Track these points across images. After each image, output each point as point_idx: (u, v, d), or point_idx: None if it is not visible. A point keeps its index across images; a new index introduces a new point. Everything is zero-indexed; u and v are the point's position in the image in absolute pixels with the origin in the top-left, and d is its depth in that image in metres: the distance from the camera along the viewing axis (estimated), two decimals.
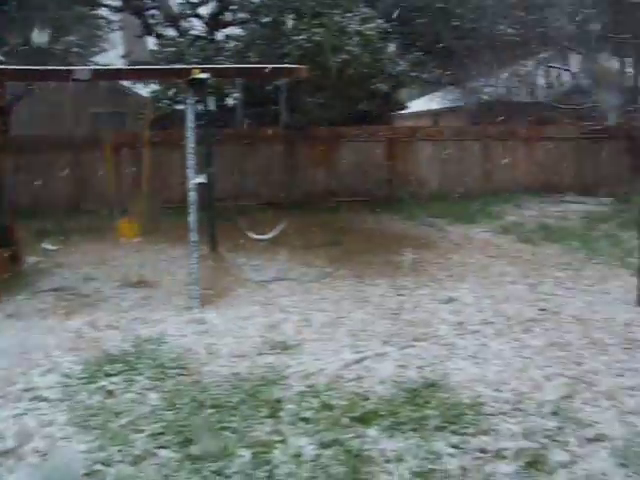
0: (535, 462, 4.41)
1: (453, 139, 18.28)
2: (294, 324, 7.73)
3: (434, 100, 26.10)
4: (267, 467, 4.41)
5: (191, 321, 7.93)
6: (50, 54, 20.54)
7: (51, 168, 16.92)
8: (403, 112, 26.07)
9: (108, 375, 6.16)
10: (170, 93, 16.08)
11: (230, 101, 17.67)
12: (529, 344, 6.82)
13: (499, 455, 4.52)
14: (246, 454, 4.58)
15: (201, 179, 8.93)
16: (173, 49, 15.59)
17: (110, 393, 5.80)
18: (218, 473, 4.38)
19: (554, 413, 5.14)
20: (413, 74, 16.67)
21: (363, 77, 14.33)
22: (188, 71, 9.60)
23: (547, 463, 4.41)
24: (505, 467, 4.37)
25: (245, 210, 15.02)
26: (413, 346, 6.83)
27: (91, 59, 25.21)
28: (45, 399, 5.74)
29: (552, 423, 4.97)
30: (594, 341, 6.88)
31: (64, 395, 5.79)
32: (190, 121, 9.19)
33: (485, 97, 20.76)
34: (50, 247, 10.43)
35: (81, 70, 9.41)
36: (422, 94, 28.09)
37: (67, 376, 6.21)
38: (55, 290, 9.72)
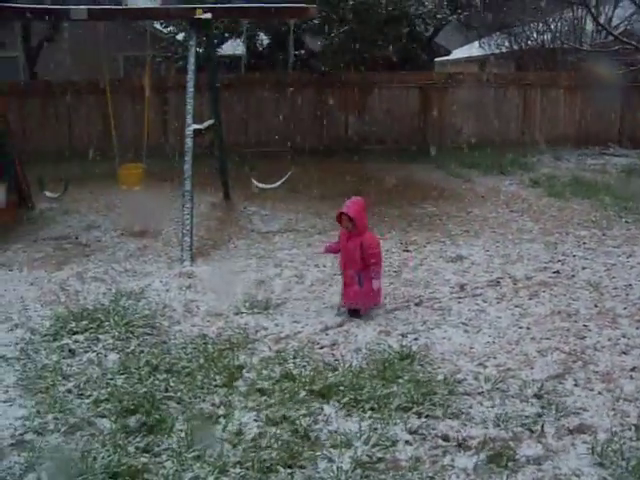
0: (500, 455, 3.86)
1: (491, 86, 17.34)
2: (285, 280, 7.30)
3: (480, 47, 25.01)
4: (200, 446, 3.97)
5: (179, 275, 7.55)
6: None
7: (76, 112, 16.60)
8: (446, 59, 25.14)
9: (74, 333, 5.83)
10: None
11: (258, 45, 17.07)
12: (531, 312, 6.24)
13: (462, 445, 3.99)
14: (183, 429, 4.16)
15: (198, 125, 8.47)
16: None
17: (71, 352, 5.46)
18: (145, 450, 3.97)
19: (537, 396, 4.57)
20: (440, 16, 15.70)
21: (389, 19, 13.53)
22: (191, 11, 9.12)
23: (514, 458, 3.87)
24: (464, 460, 3.84)
25: (269, 156, 14.52)
26: (404, 309, 6.32)
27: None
28: (2, 357, 5.43)
29: (532, 409, 4.41)
30: (604, 311, 6.26)
31: (22, 354, 5.47)
32: (191, 64, 8.74)
33: (531, 43, 19.70)
34: (51, 195, 10.09)
35: (77, 9, 8.98)
36: (468, 40, 26.98)
37: (33, 332, 5.90)
38: (55, 239, 9.48)
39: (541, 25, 20.04)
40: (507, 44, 22.09)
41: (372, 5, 13.06)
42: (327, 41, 14.65)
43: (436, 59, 24.04)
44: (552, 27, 19.85)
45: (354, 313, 6.10)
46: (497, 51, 22.94)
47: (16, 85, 15.63)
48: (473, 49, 26.86)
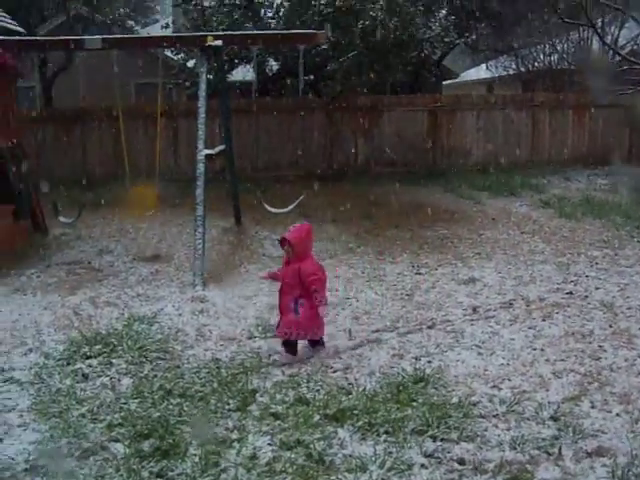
0: (517, 479, 3.83)
1: (499, 108, 17.36)
2: None
3: (487, 69, 25.09)
4: (214, 470, 3.96)
5: (191, 299, 7.56)
6: (94, 24, 20.47)
7: (90, 139, 16.76)
8: (454, 81, 25.24)
9: (87, 357, 5.84)
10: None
11: (268, 70, 17.19)
12: (545, 333, 6.21)
13: (478, 468, 3.95)
14: (197, 453, 4.15)
15: (210, 151, 8.53)
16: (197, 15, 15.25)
17: (84, 377, 5.47)
18: (159, 474, 3.95)
19: (553, 418, 4.52)
20: (447, 39, 15.80)
21: (398, 44, 13.62)
22: (202, 38, 9.22)
23: None
24: None
25: (280, 181, 14.59)
26: (417, 332, 6.30)
27: (139, 29, 25.14)
28: (17, 381, 5.46)
29: (549, 431, 4.36)
30: (619, 331, 6.22)
31: (36, 378, 5.48)
32: (202, 90, 8.81)
33: (538, 64, 19.75)
34: (65, 220, 10.15)
35: (91, 39, 9.11)
36: (475, 64, 27.11)
37: (47, 357, 5.92)
38: (68, 264, 9.53)
39: (548, 47, 20.09)
40: (514, 66, 22.16)
41: (380, 29, 13.13)
42: (336, 65, 14.74)
43: (444, 82, 24.14)
44: (559, 48, 19.90)
45: (314, 343, 5.88)
46: (504, 73, 23.00)
47: (32, 113, 15.78)
48: (480, 71, 26.96)
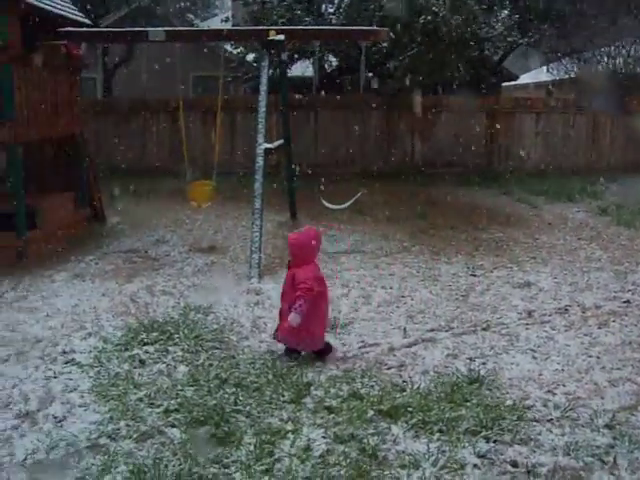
0: None
1: (559, 112, 17.16)
2: (351, 300, 7.33)
3: (547, 72, 24.75)
4: (268, 460, 4.02)
5: (247, 291, 7.66)
6: (155, 17, 20.79)
7: (148, 130, 17.05)
8: (513, 83, 24.96)
9: (144, 344, 5.95)
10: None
11: (327, 66, 17.24)
12: (601, 341, 6.14)
13: (531, 472, 3.94)
14: (252, 442, 4.22)
15: (269, 145, 8.60)
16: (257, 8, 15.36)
17: (141, 362, 5.59)
18: (214, 461, 4.03)
19: (608, 426, 4.47)
20: (510, 39, 15.62)
21: (459, 42, 13.52)
22: (265, 32, 9.30)
23: None
24: None
25: (336, 178, 14.64)
26: (471, 333, 6.28)
27: (199, 22, 25.42)
28: (77, 363, 5.61)
29: (603, 439, 4.32)
30: None
31: (96, 361, 5.62)
32: (263, 84, 8.88)
33: (602, 68, 19.41)
34: (124, 209, 10.36)
35: (155, 31, 9.25)
36: (536, 66, 26.76)
37: (105, 341, 6.06)
38: (125, 252, 9.72)
39: (613, 49, 19.73)
40: (576, 69, 21.81)
41: (442, 26, 13.05)
42: (396, 63, 14.72)
43: (503, 84, 23.92)
44: (624, 51, 19.53)
45: (292, 352, 5.62)
46: (566, 76, 22.66)
47: (93, 104, 16.12)
48: (541, 74, 26.61)
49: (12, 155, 8.93)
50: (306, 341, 5.53)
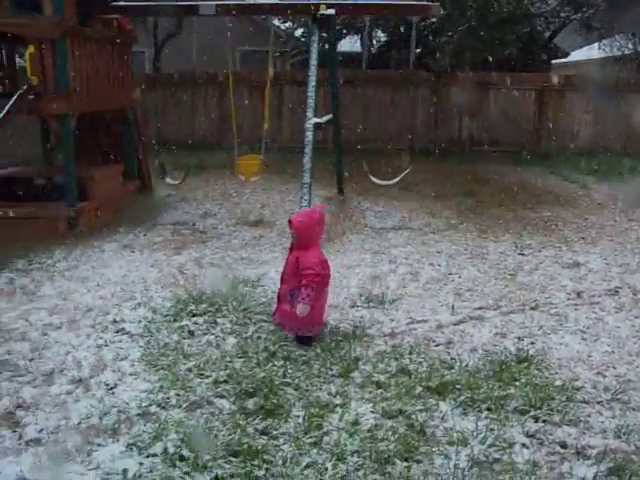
0: (622, 468, 3.77)
1: (611, 89, 16.74)
2: (399, 277, 7.30)
3: (600, 49, 24.19)
4: (317, 433, 4.06)
5: None
6: None
7: (196, 104, 17.14)
8: (563, 61, 24.48)
9: (193, 315, 6.02)
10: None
11: (376, 42, 17.11)
12: None
13: (581, 453, 3.92)
14: (301, 415, 4.26)
15: (319, 119, 8.57)
16: None
17: (190, 333, 5.65)
18: (263, 432, 4.08)
19: None
20: (563, 15, 15.28)
21: (510, 18, 13.28)
22: (315, 7, 9.24)
23: (637, 473, 3.76)
24: (583, 469, 3.75)
25: (383, 154, 14.58)
26: (519, 312, 6.24)
27: None
28: (128, 333, 5.70)
29: None
30: None
31: (145, 331, 5.71)
32: (313, 59, 8.83)
33: None
34: (172, 182, 10.45)
35: (205, 5, 9.26)
36: (587, 42, 26.16)
37: (154, 312, 6.14)
38: (173, 224, 9.81)
39: None
40: (630, 46, 21.30)
41: (493, 2, 12.83)
42: (446, 39, 14.55)
43: (553, 61, 23.48)
44: None
45: (305, 340, 5.37)
46: (619, 53, 22.14)
47: (142, 78, 16.24)
48: (593, 51, 26.04)
49: (64, 127, 9.04)
50: (306, 326, 5.34)
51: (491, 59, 15.66)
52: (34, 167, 10.63)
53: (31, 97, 8.73)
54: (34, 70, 8.64)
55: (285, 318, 5.41)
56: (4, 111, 8.23)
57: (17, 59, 10.50)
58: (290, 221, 5.49)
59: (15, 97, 8.48)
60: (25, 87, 8.70)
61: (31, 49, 8.59)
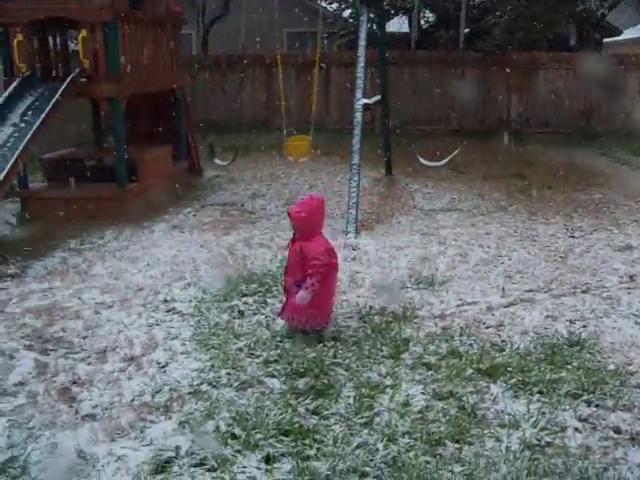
0: None
1: None
2: (449, 258, 7.27)
3: None
4: (367, 413, 4.07)
5: (343, 246, 7.65)
6: None
7: (244, 85, 17.20)
8: (616, 39, 23.92)
9: (243, 295, 6.07)
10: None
11: (424, 22, 16.94)
12: None
13: (635, 439, 3.86)
14: (351, 395, 4.27)
15: (368, 100, 8.54)
16: None
17: (240, 313, 5.70)
18: (314, 412, 4.10)
19: None
20: None
21: None
22: None
23: None
24: (639, 456, 3.71)
25: (431, 135, 14.48)
26: (571, 295, 6.15)
27: None
28: (179, 312, 5.77)
29: None
30: None
31: (196, 311, 5.78)
32: (362, 39, 8.80)
33: None
34: (221, 163, 10.51)
35: None
36: None
37: (204, 292, 6.20)
38: (222, 205, 9.89)
39: None
40: None
41: None
42: (495, 19, 14.33)
43: (606, 39, 22.98)
44: None
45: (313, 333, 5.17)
46: None
47: (190, 59, 16.35)
48: None
49: (114, 109, 9.14)
50: (316, 318, 5.12)
51: (542, 38, 15.32)
52: (85, 149, 10.77)
53: (83, 80, 8.88)
54: (86, 54, 8.77)
55: (293, 313, 5.13)
56: (57, 94, 8.36)
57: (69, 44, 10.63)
58: (289, 213, 5.24)
59: (68, 80, 8.61)
60: (77, 70, 8.84)
61: (84, 33, 8.72)
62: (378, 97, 10.16)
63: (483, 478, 3.48)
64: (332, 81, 16.60)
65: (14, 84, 8.63)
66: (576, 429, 3.96)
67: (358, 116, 8.32)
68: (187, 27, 14.39)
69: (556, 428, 3.95)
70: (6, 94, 8.49)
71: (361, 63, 8.66)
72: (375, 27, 12.47)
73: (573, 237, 8.18)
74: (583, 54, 16.58)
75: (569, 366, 4.67)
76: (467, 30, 15.69)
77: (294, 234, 5.26)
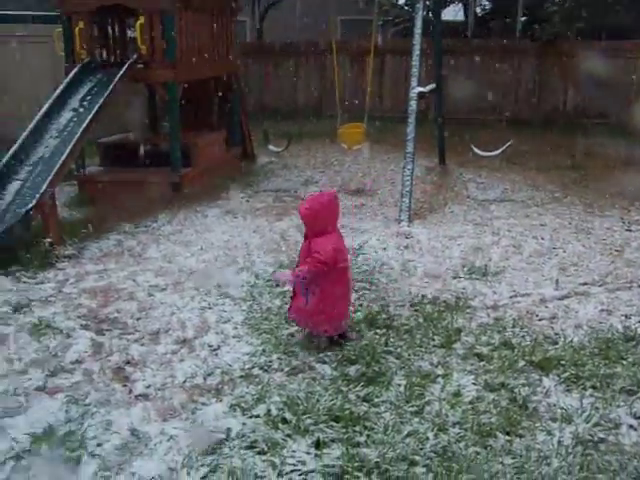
0: None
1: None
2: (502, 249, 7.19)
3: None
4: (418, 402, 4.07)
5: (396, 234, 7.65)
6: None
7: (298, 73, 17.23)
8: None
9: None
10: None
11: (480, 10, 16.71)
12: None
13: None
14: (402, 384, 4.27)
15: (423, 89, 8.48)
16: None
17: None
18: (365, 399, 4.11)
19: None
20: None
21: None
22: None
23: None
24: None
25: (485, 124, 14.30)
26: (626, 290, 6.04)
27: None
28: (231, 297, 5.83)
29: None
30: None
31: (248, 295, 5.83)
32: (418, 27, 8.73)
33: None
34: (275, 149, 10.56)
35: None
36: None
37: (257, 277, 6.25)
38: (275, 191, 9.92)
39: None
40: None
41: None
42: (554, 6, 14.05)
43: None
44: None
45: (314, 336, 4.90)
46: None
47: (245, 47, 16.43)
48: None
49: (170, 94, 9.24)
50: (322, 324, 4.76)
51: (602, 27, 14.96)
52: (141, 134, 10.90)
53: (140, 66, 8.99)
54: (143, 40, 8.88)
55: (300, 315, 4.83)
56: (116, 79, 8.49)
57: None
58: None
59: (125, 66, 8.74)
60: (135, 56, 8.96)
61: (141, 20, 8.83)
62: (433, 85, 10.06)
63: (534, 471, 3.45)
64: (386, 69, 16.51)
65: (74, 70, 8.79)
66: (631, 426, 3.90)
67: (413, 104, 8.27)
68: (242, 14, 14.47)
69: (610, 424, 3.89)
70: (67, 80, 8.66)
71: (416, 51, 8.59)
72: (430, 15, 12.33)
73: (630, 231, 8.01)
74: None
75: (624, 361, 4.59)
76: (524, 18, 15.46)
77: (305, 231, 4.89)
